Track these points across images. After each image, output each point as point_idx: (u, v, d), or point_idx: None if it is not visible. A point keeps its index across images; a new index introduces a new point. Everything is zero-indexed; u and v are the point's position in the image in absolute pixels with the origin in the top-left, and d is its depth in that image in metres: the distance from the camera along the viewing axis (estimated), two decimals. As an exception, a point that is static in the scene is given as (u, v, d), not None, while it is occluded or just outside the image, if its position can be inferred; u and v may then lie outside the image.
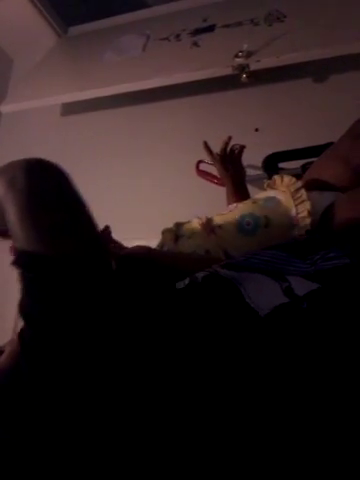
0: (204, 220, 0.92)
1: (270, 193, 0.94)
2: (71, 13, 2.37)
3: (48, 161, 0.58)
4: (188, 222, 0.97)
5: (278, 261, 0.61)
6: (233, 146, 1.14)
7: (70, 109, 2.21)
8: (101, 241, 0.59)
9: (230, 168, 1.13)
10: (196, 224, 0.93)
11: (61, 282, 0.48)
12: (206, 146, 1.16)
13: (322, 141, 1.29)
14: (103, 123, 2.11)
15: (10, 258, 0.56)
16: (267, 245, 0.82)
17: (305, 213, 0.84)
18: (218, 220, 0.92)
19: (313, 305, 0.51)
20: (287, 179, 0.93)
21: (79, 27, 2.40)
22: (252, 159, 1.63)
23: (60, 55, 2.35)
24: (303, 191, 0.88)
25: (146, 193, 1.89)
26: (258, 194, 0.98)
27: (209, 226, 0.90)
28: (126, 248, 0.95)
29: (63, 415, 0.44)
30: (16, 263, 0.54)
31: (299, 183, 0.90)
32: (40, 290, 0.50)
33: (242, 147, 1.14)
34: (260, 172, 1.55)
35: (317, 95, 1.76)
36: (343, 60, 1.61)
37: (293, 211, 0.86)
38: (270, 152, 1.49)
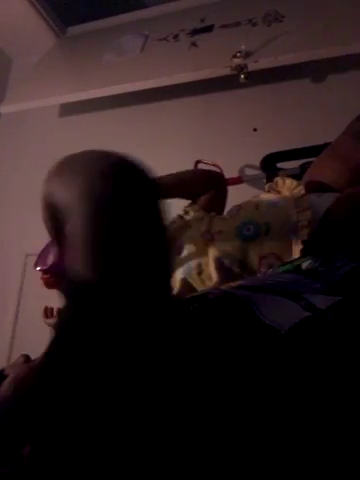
0: (204, 228, 0.91)
1: (273, 198, 0.93)
2: (70, 13, 2.37)
3: (137, 165, 0.47)
4: (189, 221, 0.97)
5: (293, 283, 0.59)
6: None
7: (69, 109, 2.21)
8: (168, 289, 0.49)
9: None
10: (196, 232, 0.92)
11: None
12: None
13: (320, 141, 1.30)
14: (102, 123, 2.12)
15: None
16: (266, 251, 0.82)
17: (305, 222, 0.83)
18: (219, 226, 0.91)
19: (339, 315, 0.48)
20: (289, 182, 0.92)
21: (78, 27, 2.40)
22: (250, 159, 1.64)
23: (59, 55, 2.35)
24: (306, 198, 0.87)
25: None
26: (260, 196, 0.97)
27: (209, 234, 0.90)
28: None
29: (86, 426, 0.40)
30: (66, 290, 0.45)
31: (302, 190, 0.89)
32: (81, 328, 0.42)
33: None
34: (258, 172, 1.56)
35: (315, 95, 1.76)
36: (341, 60, 1.61)
37: (294, 218, 0.85)
38: (268, 152, 1.50)
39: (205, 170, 1.09)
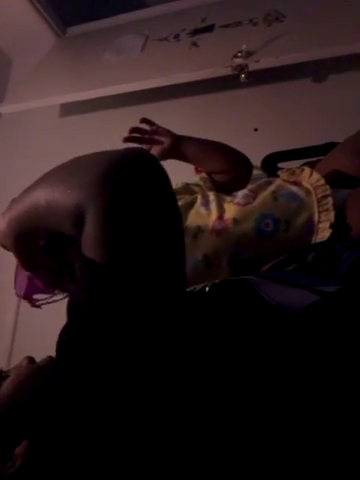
0: (215, 217, 0.86)
1: (292, 189, 0.87)
2: (70, 13, 2.37)
3: (152, 159, 0.47)
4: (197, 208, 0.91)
5: (303, 278, 0.58)
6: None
7: (69, 109, 2.21)
8: (181, 285, 0.49)
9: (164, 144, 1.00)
10: (205, 219, 0.87)
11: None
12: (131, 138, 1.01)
13: (321, 141, 1.29)
14: (102, 124, 2.11)
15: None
16: (282, 248, 0.79)
17: (327, 224, 0.80)
18: (234, 212, 0.85)
19: (347, 302, 0.47)
20: (316, 177, 0.86)
21: (78, 27, 2.39)
22: (251, 159, 1.63)
23: (59, 56, 2.34)
24: (330, 199, 0.82)
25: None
26: (276, 183, 0.91)
27: (221, 222, 0.84)
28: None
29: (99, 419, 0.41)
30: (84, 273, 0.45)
31: (328, 189, 0.83)
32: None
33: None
34: (259, 172, 1.55)
35: (316, 95, 1.76)
36: (342, 60, 1.61)
37: (315, 217, 0.81)
38: (269, 152, 1.49)
39: (238, 151, 1.03)
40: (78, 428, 0.44)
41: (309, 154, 1.35)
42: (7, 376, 0.56)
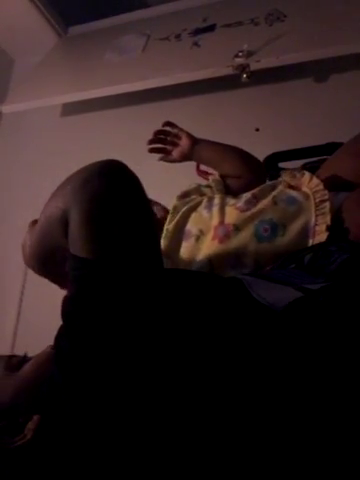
0: (217, 223, 0.88)
1: (292, 194, 0.89)
2: (71, 13, 2.37)
3: (124, 166, 0.56)
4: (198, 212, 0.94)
5: (295, 276, 0.61)
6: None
7: (70, 109, 2.21)
8: (158, 268, 0.57)
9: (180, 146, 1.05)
10: (206, 222, 0.90)
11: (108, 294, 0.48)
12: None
13: (323, 141, 1.29)
14: (103, 123, 2.11)
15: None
16: (281, 252, 0.82)
17: (323, 227, 0.81)
18: (234, 218, 0.87)
19: (330, 298, 0.51)
20: (315, 182, 0.88)
21: (79, 27, 2.40)
22: (252, 159, 1.64)
23: (60, 55, 2.35)
24: (328, 204, 0.84)
25: (146, 193, 1.89)
26: (277, 186, 0.93)
27: (223, 228, 0.87)
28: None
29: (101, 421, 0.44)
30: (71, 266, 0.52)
31: (326, 194, 0.85)
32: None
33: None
34: (260, 172, 1.55)
35: (318, 95, 1.76)
36: (343, 60, 1.61)
37: (312, 221, 0.83)
38: (270, 152, 1.49)
39: (252, 157, 1.05)
40: (79, 414, 0.46)
41: (310, 154, 1.35)
42: (30, 359, 0.62)
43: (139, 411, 0.43)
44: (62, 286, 0.64)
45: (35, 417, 0.54)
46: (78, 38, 2.36)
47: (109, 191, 0.52)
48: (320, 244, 0.79)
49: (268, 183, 0.99)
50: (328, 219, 0.82)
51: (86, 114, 2.18)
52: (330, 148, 1.13)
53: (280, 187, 0.92)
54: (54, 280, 0.64)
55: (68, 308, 0.51)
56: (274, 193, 0.90)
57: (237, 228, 0.86)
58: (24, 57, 2.45)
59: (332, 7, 1.64)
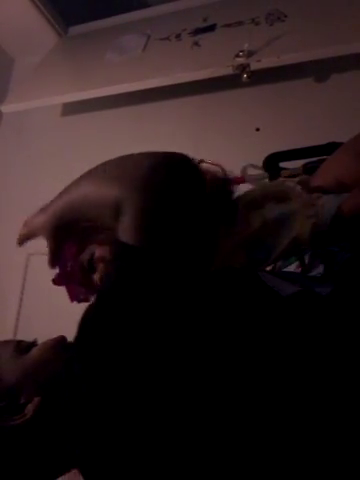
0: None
1: (283, 212, 0.87)
2: (71, 13, 2.37)
3: (191, 164, 0.55)
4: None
5: (300, 279, 0.63)
6: None
7: (71, 109, 2.21)
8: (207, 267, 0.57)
9: None
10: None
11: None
12: None
13: (323, 141, 1.29)
14: (104, 123, 2.11)
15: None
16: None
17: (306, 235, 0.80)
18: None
19: (334, 294, 0.52)
20: (307, 199, 0.86)
21: (79, 27, 2.39)
22: (253, 159, 1.63)
23: (61, 55, 2.34)
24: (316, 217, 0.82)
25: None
26: (267, 204, 0.90)
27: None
28: None
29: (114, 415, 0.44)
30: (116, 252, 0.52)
31: (317, 210, 0.83)
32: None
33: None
34: (261, 172, 1.55)
35: (318, 95, 1.76)
36: (344, 60, 1.61)
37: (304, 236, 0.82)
38: (271, 152, 1.49)
39: None
40: (87, 399, 0.46)
41: (311, 154, 1.35)
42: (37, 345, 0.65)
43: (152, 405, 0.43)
44: (56, 261, 0.64)
45: (36, 399, 0.56)
46: (78, 38, 2.36)
47: (176, 184, 0.51)
48: (318, 245, 0.79)
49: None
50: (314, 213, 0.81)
51: (86, 114, 2.17)
52: (330, 148, 1.13)
53: (270, 204, 0.91)
54: (55, 247, 0.62)
55: (106, 292, 0.50)
56: (261, 213, 0.88)
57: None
58: (24, 57, 2.45)
59: (332, 7, 1.64)
